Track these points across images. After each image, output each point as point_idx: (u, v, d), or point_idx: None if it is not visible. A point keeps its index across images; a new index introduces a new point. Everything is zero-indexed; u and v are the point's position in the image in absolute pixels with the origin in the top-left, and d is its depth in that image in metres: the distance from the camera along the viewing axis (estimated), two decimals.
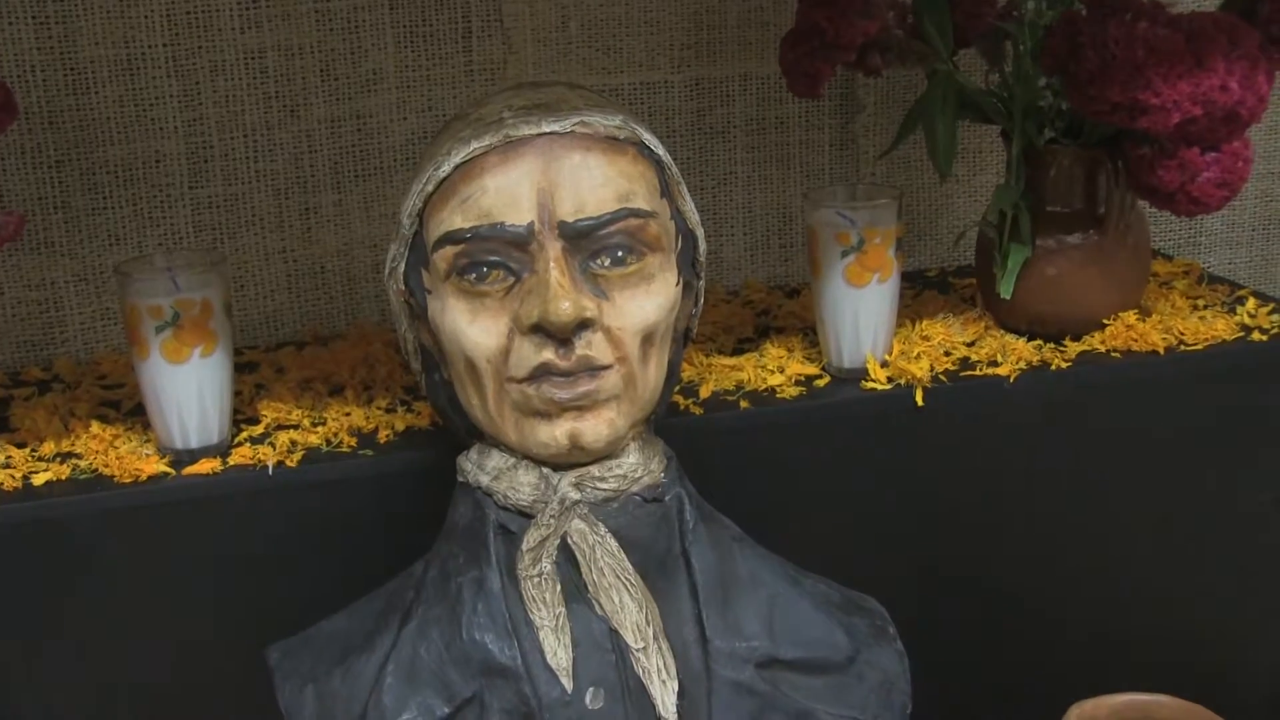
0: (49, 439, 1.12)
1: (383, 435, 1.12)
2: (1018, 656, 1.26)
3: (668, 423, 1.05)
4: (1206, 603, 1.30)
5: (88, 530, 1.03)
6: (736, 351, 1.26)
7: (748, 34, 1.44)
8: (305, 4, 1.31)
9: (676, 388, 1.11)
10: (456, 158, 0.91)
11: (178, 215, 1.32)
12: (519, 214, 0.89)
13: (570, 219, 0.89)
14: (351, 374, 1.23)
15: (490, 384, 0.91)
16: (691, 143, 1.46)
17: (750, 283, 1.47)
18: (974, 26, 1.24)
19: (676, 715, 0.89)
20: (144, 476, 1.06)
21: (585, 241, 0.90)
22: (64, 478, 1.06)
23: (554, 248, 0.89)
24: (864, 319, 1.18)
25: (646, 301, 0.92)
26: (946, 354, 1.23)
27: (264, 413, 1.15)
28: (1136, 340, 1.24)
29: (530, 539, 0.91)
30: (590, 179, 0.90)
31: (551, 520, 0.91)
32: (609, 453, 0.93)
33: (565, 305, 0.87)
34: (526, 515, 0.92)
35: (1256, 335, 1.26)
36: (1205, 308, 1.33)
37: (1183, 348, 1.24)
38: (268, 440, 1.11)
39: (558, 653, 0.89)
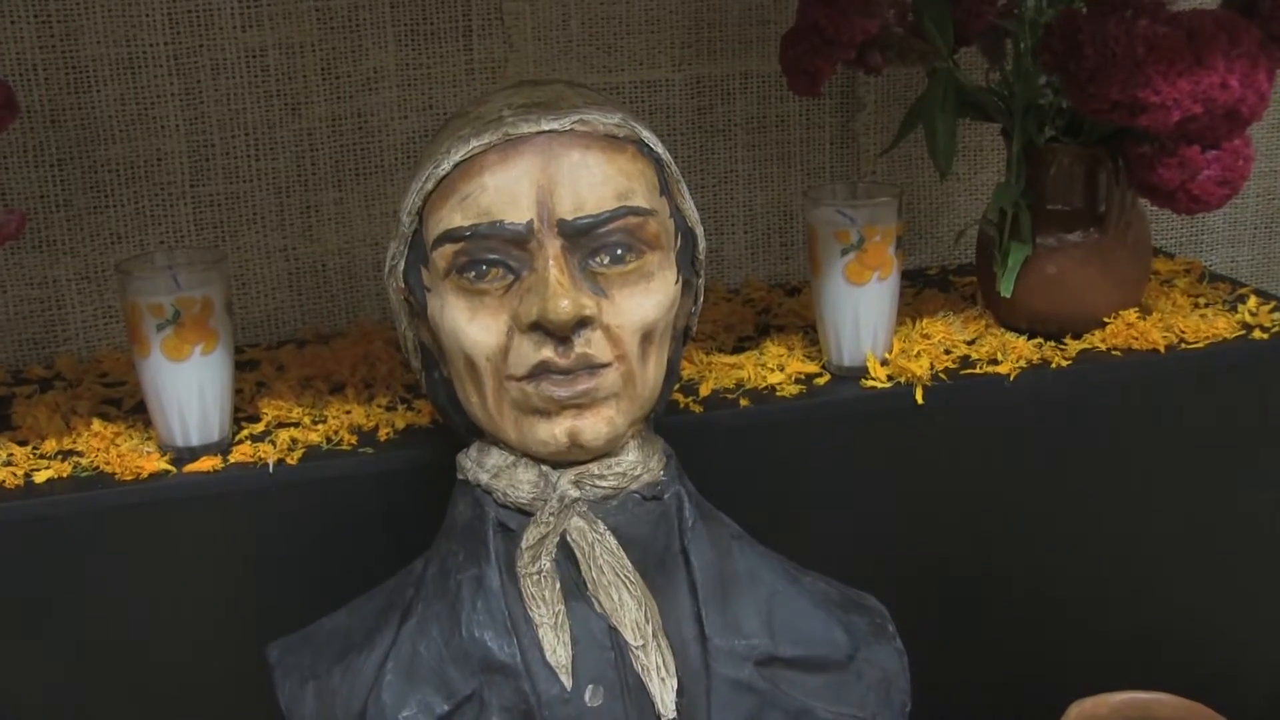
0: (50, 437, 1.12)
1: (383, 433, 1.12)
2: (1017, 655, 1.26)
3: (667, 421, 1.05)
4: (1207, 601, 1.30)
5: (89, 528, 1.03)
6: (736, 350, 1.26)
7: (748, 32, 1.44)
8: (306, 2, 1.31)
9: (676, 386, 1.11)
10: (456, 156, 0.91)
11: (179, 213, 1.33)
12: (518, 212, 0.89)
13: (569, 217, 0.89)
14: (352, 372, 1.23)
15: (489, 382, 0.91)
16: (692, 141, 1.46)
17: (750, 281, 1.47)
18: (974, 24, 1.23)
19: (675, 713, 0.89)
20: (145, 474, 1.06)
21: (584, 239, 0.90)
22: (65, 475, 1.06)
23: (553, 246, 0.89)
24: (864, 317, 1.18)
25: (645, 299, 0.91)
26: (947, 352, 1.23)
27: (265, 411, 1.15)
28: (1137, 339, 1.24)
29: (529, 536, 0.91)
30: (589, 177, 0.90)
31: (551, 518, 0.91)
32: (608, 451, 0.93)
33: (564, 303, 0.87)
34: (526, 513, 0.92)
35: (1258, 334, 1.26)
36: (1206, 306, 1.32)
37: (1183, 346, 1.24)
38: (268, 438, 1.11)
39: (557, 650, 0.89)
